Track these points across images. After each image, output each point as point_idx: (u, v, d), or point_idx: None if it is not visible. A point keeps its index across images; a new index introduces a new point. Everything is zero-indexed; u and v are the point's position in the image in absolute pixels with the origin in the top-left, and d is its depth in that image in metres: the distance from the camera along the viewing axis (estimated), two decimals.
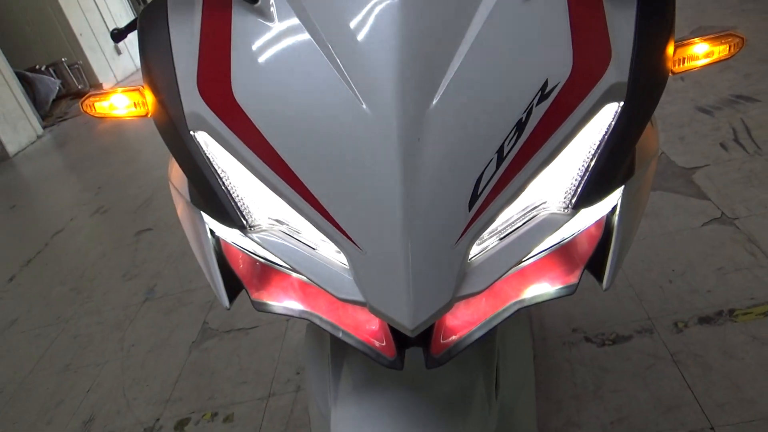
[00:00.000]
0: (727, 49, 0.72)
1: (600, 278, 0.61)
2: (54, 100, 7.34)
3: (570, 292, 0.57)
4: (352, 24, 0.51)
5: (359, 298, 0.50)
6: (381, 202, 0.47)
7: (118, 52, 8.58)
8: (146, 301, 2.42)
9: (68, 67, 7.68)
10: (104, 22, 8.39)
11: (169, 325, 2.20)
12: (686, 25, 3.48)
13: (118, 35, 0.96)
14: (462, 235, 0.48)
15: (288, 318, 0.62)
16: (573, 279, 0.58)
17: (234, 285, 0.64)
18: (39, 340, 2.39)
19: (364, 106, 0.48)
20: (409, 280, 0.47)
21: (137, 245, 2.96)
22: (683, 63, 0.68)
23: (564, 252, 0.59)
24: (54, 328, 2.44)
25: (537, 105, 0.49)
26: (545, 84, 0.49)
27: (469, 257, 0.51)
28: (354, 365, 0.70)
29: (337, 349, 0.73)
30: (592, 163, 0.53)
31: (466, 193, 0.48)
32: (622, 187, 0.58)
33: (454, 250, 0.48)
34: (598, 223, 0.59)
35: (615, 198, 0.58)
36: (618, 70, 0.52)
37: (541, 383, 1.48)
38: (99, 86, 7.81)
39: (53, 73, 7.54)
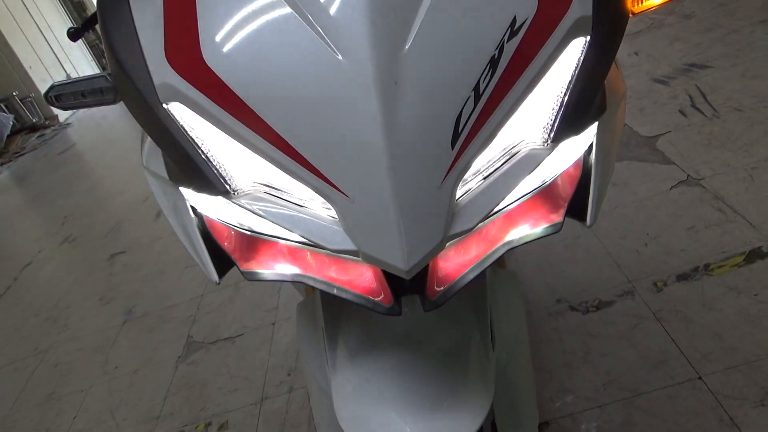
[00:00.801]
0: None
1: (582, 219, 0.62)
2: (9, 136, 7.16)
3: (556, 230, 0.59)
4: None
5: (351, 246, 0.50)
6: (364, 148, 0.47)
7: None
8: (126, 323, 2.37)
9: (20, 100, 7.50)
10: (53, 52, 8.22)
11: (153, 344, 2.16)
12: None
13: (75, 34, 0.95)
14: (447, 173, 0.49)
15: (281, 282, 0.61)
16: (557, 218, 0.59)
17: (222, 261, 0.63)
18: (17, 373, 2.32)
19: (340, 57, 0.48)
20: (399, 222, 0.47)
21: (111, 269, 2.90)
22: (641, 3, 0.70)
23: (547, 193, 0.61)
24: (32, 359, 2.38)
25: (508, 42, 0.50)
26: (514, 21, 0.50)
27: (457, 197, 0.51)
28: (349, 334, 0.70)
29: (331, 321, 0.73)
30: (566, 98, 0.55)
31: (447, 132, 0.48)
32: (596, 124, 0.60)
33: (441, 190, 0.49)
34: (576, 164, 0.60)
35: (590, 136, 0.60)
36: (582, 5, 0.53)
37: (531, 355, 1.49)
38: (54, 118, 7.64)
39: (5, 109, 7.36)
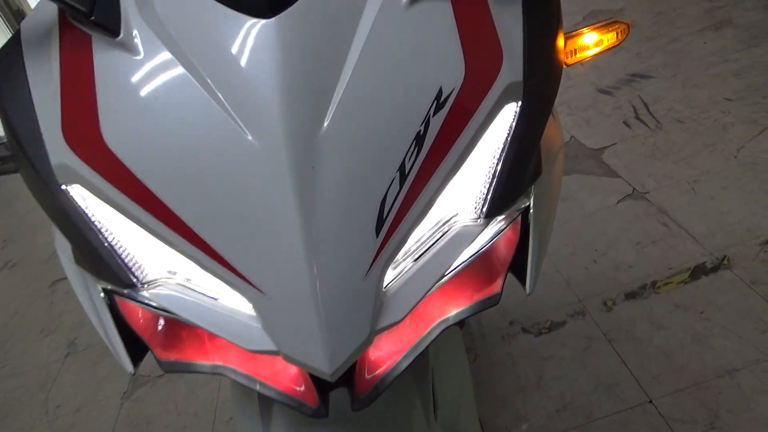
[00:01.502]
0: (615, 35, 0.73)
1: (523, 281, 0.60)
2: None
3: (494, 302, 0.56)
4: (227, 50, 0.47)
5: (271, 347, 0.46)
6: (280, 240, 0.43)
7: None
8: (68, 356, 2.26)
9: None
10: None
11: (96, 379, 2.06)
12: (578, 10, 3.63)
13: None
14: (373, 263, 0.45)
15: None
16: (495, 288, 0.56)
17: (138, 346, 0.58)
18: None
19: (250, 137, 0.44)
20: (321, 321, 0.43)
21: (53, 297, 2.77)
22: (575, 54, 0.68)
23: (484, 261, 0.58)
24: None
25: (434, 115, 0.47)
26: (440, 92, 0.47)
27: (385, 285, 0.48)
28: (284, 409, 0.66)
29: (264, 395, 0.68)
30: (499, 168, 0.52)
31: (371, 218, 0.45)
32: (533, 186, 0.58)
33: (366, 281, 0.45)
34: (513, 226, 0.58)
35: (527, 199, 0.57)
36: (511, 70, 0.51)
37: (485, 382, 1.48)
38: None
39: None
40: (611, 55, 2.91)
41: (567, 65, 0.67)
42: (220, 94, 0.46)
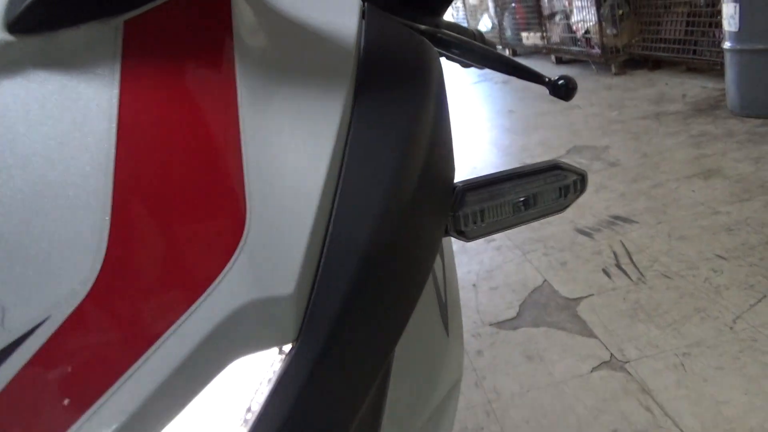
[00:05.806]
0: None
1: None
2: None
3: None
4: None
5: None
6: None
7: None
8: None
9: None
10: None
11: None
12: (561, 144, 3.50)
13: None
14: None
15: None
16: None
17: None
18: None
19: None
20: None
21: None
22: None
23: None
24: None
25: None
26: None
27: None
28: None
29: None
30: None
31: None
32: None
33: None
34: None
35: None
36: (246, 281, 0.22)
37: None
38: None
39: None
40: (593, 192, 2.71)
41: (466, 239, 0.38)
42: None
